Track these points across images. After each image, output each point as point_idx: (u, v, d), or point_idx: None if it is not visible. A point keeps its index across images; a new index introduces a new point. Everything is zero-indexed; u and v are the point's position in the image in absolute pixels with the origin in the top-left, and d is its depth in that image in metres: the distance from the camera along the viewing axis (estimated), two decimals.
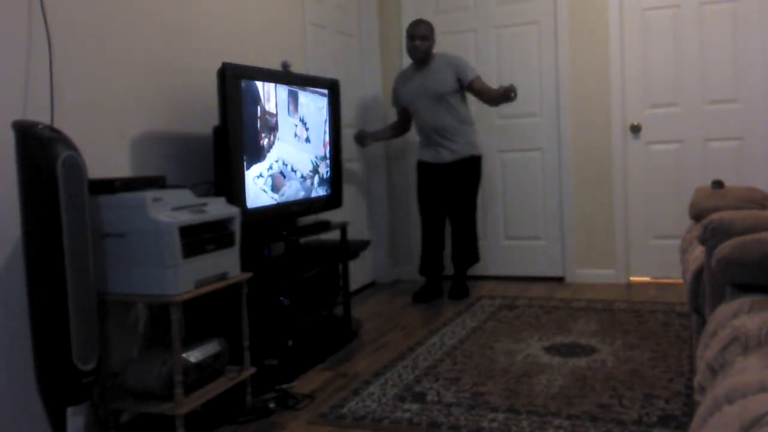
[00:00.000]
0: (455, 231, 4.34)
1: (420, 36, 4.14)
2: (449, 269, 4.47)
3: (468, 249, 4.36)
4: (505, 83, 4.15)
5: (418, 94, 4.23)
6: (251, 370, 2.63)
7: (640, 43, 4.44)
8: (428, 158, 4.31)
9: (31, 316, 1.97)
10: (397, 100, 4.42)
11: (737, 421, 1.03)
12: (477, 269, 4.84)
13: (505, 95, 4.01)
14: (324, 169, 3.52)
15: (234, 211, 2.54)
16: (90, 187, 2.11)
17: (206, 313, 2.73)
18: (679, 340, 3.22)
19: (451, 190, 4.28)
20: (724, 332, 1.50)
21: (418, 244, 4.58)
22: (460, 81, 4.20)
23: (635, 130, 4.49)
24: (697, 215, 2.70)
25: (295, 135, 3.25)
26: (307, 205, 3.36)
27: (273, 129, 3.06)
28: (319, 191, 3.47)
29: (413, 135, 4.53)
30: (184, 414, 2.23)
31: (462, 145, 4.24)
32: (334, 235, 3.55)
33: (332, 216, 3.81)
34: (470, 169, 4.29)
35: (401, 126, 4.53)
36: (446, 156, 4.24)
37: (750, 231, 1.95)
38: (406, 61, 4.47)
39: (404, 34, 4.31)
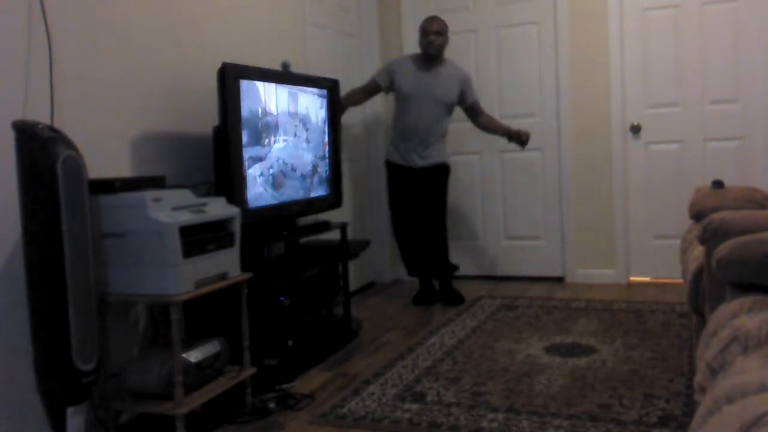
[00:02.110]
0: (427, 239, 4.21)
1: (435, 32, 4.07)
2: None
3: (443, 260, 4.23)
4: (521, 128, 4.19)
5: (422, 92, 4.10)
6: (251, 370, 2.63)
7: (640, 43, 4.44)
8: (398, 160, 4.19)
9: (31, 316, 1.97)
10: (388, 79, 4.14)
11: (737, 421, 1.03)
12: (477, 269, 4.85)
13: (516, 137, 4.08)
14: (324, 169, 3.52)
15: (234, 211, 2.54)
16: (90, 187, 2.11)
17: (206, 313, 2.73)
18: (679, 340, 3.22)
19: (422, 196, 4.18)
20: (724, 332, 1.50)
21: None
22: (462, 97, 4.17)
23: (635, 130, 4.49)
24: (697, 215, 2.70)
25: (295, 135, 3.25)
26: (307, 205, 3.36)
27: (273, 129, 3.06)
28: (319, 191, 3.47)
29: None
30: (184, 414, 2.22)
31: (435, 153, 4.16)
32: (334, 235, 3.55)
33: (332, 216, 3.81)
34: (440, 175, 4.20)
35: (366, 98, 4.27)
36: (417, 161, 4.14)
37: (750, 231, 1.95)
38: None
39: (404, 34, 4.30)
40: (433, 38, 4.07)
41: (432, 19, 4.13)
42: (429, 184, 4.18)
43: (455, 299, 4.22)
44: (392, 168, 4.25)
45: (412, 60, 4.19)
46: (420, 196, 4.19)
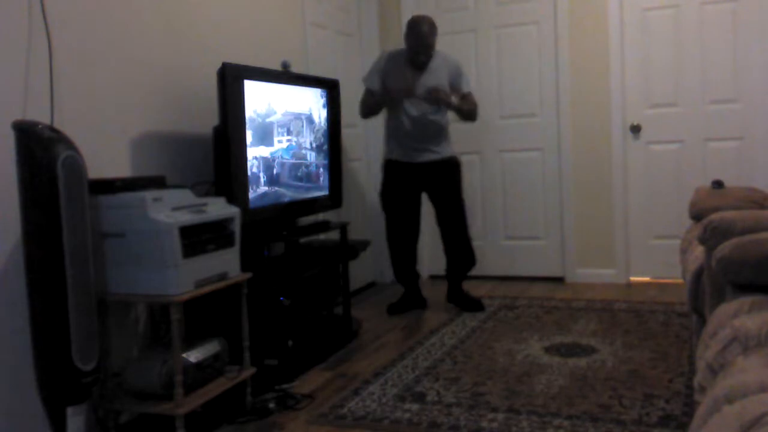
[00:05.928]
0: (449, 236, 4.02)
1: (425, 45, 3.81)
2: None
3: (467, 252, 4.06)
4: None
5: (414, 90, 3.84)
6: (251, 370, 2.63)
7: (640, 43, 4.44)
8: (402, 158, 3.92)
9: (31, 315, 1.97)
10: (379, 82, 3.90)
11: (737, 421, 1.03)
12: (477, 269, 4.83)
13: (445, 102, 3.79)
14: (324, 169, 3.52)
15: (234, 211, 2.54)
16: (90, 187, 2.11)
17: (206, 313, 2.73)
18: (679, 340, 3.21)
19: (436, 192, 3.98)
20: (724, 332, 1.50)
21: (420, 245, 4.39)
22: (452, 88, 3.90)
23: (635, 130, 4.49)
24: (697, 215, 2.70)
25: (295, 135, 3.25)
26: (307, 205, 3.36)
27: (272, 129, 3.06)
28: (320, 191, 3.47)
29: None
30: (184, 414, 2.23)
31: (443, 148, 3.95)
32: (334, 235, 3.55)
33: (332, 216, 3.80)
34: (453, 168, 3.99)
35: (378, 108, 4.04)
36: (426, 156, 3.91)
37: (750, 231, 1.95)
38: None
39: (404, 34, 4.21)
40: (422, 52, 3.83)
41: (418, 32, 3.81)
42: (438, 179, 3.96)
43: (477, 305, 4.02)
44: (392, 165, 3.99)
45: (400, 56, 3.93)
46: (435, 193, 3.97)
